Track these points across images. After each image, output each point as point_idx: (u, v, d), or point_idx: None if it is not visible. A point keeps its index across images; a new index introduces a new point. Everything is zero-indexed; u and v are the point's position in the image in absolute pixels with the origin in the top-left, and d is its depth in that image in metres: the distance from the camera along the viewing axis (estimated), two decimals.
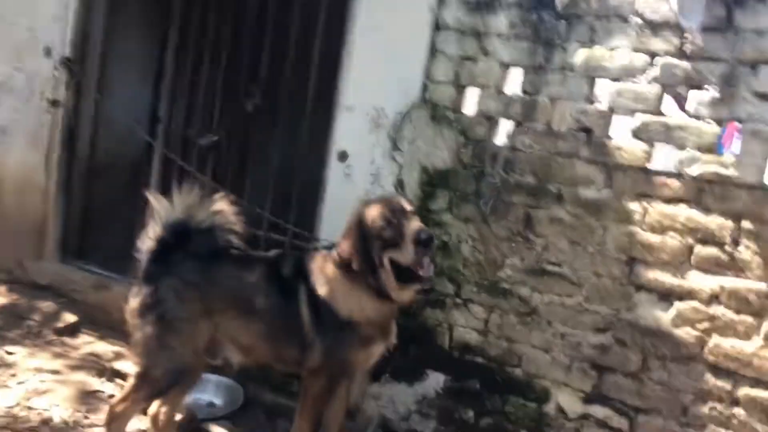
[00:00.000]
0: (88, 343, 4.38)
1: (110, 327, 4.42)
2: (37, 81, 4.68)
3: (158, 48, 4.62)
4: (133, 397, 3.18)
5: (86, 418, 3.61)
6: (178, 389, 3.28)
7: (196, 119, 4.46)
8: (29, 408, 3.59)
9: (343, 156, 3.75)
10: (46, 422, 3.51)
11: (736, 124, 2.95)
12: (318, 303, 3.14)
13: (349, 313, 3.11)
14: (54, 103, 4.66)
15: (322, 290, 3.13)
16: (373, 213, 3.08)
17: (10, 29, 4.74)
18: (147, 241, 3.22)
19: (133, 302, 3.19)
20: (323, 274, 3.16)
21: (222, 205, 3.31)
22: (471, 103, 3.49)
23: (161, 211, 3.23)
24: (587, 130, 3.23)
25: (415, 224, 3.04)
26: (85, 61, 4.69)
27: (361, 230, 3.06)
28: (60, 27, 4.57)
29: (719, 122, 2.99)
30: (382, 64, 3.64)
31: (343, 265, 3.12)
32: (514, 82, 3.39)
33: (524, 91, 3.35)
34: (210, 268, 3.20)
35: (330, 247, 3.29)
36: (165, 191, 3.88)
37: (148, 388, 3.17)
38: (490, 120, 3.42)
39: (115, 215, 5.13)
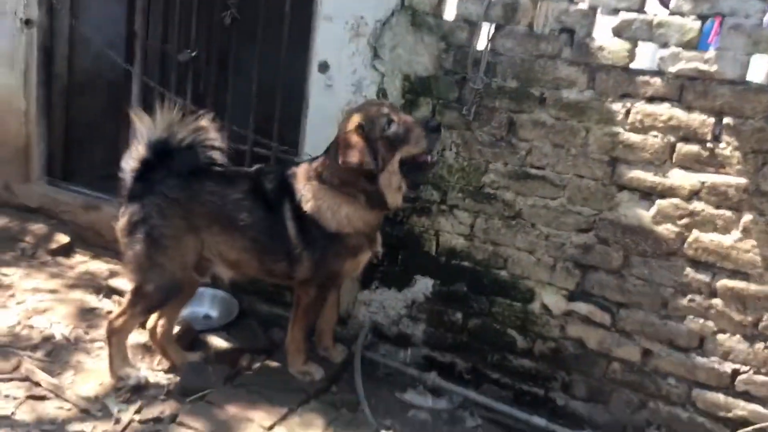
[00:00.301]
0: (82, 263, 4.46)
1: (103, 246, 4.51)
2: (9, 0, 4.55)
3: None
4: (129, 312, 3.28)
5: (86, 333, 3.72)
6: (172, 303, 3.37)
7: (173, 34, 4.36)
8: (30, 326, 3.69)
9: (324, 67, 3.70)
10: (48, 339, 3.61)
11: (720, 18, 2.93)
12: (304, 217, 3.18)
13: (337, 226, 3.16)
14: (27, 22, 4.55)
15: (307, 205, 3.16)
16: (371, 113, 3.08)
17: None
18: (130, 161, 3.25)
19: (121, 221, 3.26)
20: (307, 188, 3.18)
21: (203, 123, 3.30)
22: (451, 7, 3.42)
23: (143, 129, 3.23)
24: (570, 31, 3.18)
25: (411, 117, 3.12)
26: None
27: (363, 134, 3.04)
28: None
29: (702, 18, 2.95)
30: None
31: (331, 177, 3.14)
32: None
33: None
34: (192, 185, 3.23)
35: (313, 160, 3.30)
36: (146, 108, 3.85)
37: (142, 303, 3.26)
38: (470, 24, 3.37)
39: (97, 135, 5.13)
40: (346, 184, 3.13)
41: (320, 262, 3.22)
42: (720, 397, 3.14)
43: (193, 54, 4.27)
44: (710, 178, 3.02)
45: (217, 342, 3.68)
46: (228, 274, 3.37)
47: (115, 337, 3.31)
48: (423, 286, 3.69)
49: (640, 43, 3.09)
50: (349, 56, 3.63)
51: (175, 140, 3.22)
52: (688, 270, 3.12)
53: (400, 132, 3.04)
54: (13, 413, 3.04)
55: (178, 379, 3.39)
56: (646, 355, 3.27)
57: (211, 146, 3.31)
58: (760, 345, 3.05)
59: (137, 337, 3.58)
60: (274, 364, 3.56)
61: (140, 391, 3.27)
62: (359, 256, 3.29)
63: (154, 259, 3.20)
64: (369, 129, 3.04)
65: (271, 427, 3.07)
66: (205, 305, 4.04)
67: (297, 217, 3.18)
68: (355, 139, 3.05)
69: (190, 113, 3.32)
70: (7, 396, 3.14)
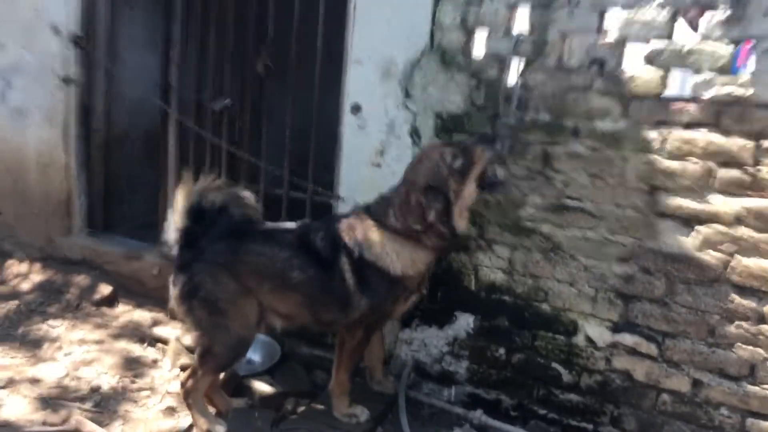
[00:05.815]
0: (126, 312, 4.52)
1: (145, 295, 4.57)
2: (48, 60, 4.71)
3: (165, 15, 4.60)
4: (201, 372, 3.30)
5: (133, 383, 3.75)
6: (240, 359, 3.41)
7: (207, 84, 4.47)
8: (78, 378, 3.74)
9: (356, 109, 3.76)
10: (96, 390, 3.65)
11: (751, 41, 2.93)
12: (363, 266, 3.16)
13: (402, 270, 3.14)
14: (66, 80, 4.69)
15: (369, 253, 3.14)
16: (437, 156, 3.11)
17: (15, 9, 4.76)
18: (171, 232, 3.29)
19: (173, 291, 3.28)
20: (367, 237, 3.16)
21: (235, 189, 3.37)
22: (480, 45, 3.46)
23: (179, 199, 3.27)
24: (600, 62, 3.20)
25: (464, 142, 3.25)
26: (94, 36, 4.71)
27: (436, 175, 3.08)
28: (64, 3, 4.59)
29: (733, 42, 2.95)
30: (388, 14, 3.61)
31: (396, 224, 3.14)
32: (521, 21, 3.36)
33: (533, 29, 3.31)
34: (239, 248, 3.25)
35: (367, 209, 3.28)
36: (183, 158, 3.90)
37: (212, 362, 3.29)
38: (500, 60, 3.40)
39: (135, 186, 5.24)
40: (415, 230, 3.12)
41: (376, 307, 3.21)
42: None
43: (228, 102, 4.35)
44: (753, 202, 2.98)
45: (261, 386, 3.68)
46: (280, 323, 3.39)
47: (191, 397, 3.33)
48: (464, 322, 3.67)
49: (672, 70, 3.08)
50: (380, 97, 3.68)
51: (207, 203, 3.25)
52: (734, 296, 3.07)
53: (465, 162, 3.09)
54: None
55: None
56: (696, 385, 3.20)
57: (244, 204, 3.33)
58: None
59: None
60: (319, 406, 3.54)
61: None
62: (411, 297, 3.30)
63: (217, 322, 3.22)
64: (442, 167, 3.08)
65: None
66: None
67: (356, 269, 3.17)
68: (424, 182, 3.08)
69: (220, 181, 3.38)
70: None
